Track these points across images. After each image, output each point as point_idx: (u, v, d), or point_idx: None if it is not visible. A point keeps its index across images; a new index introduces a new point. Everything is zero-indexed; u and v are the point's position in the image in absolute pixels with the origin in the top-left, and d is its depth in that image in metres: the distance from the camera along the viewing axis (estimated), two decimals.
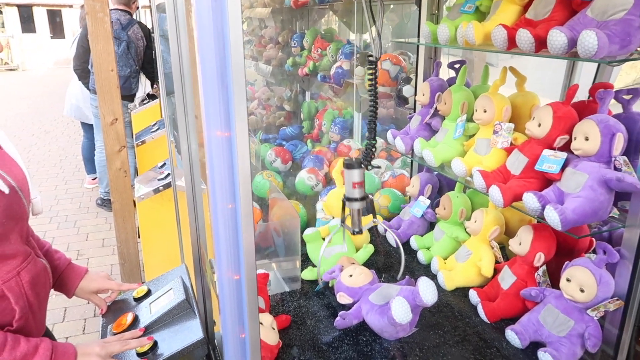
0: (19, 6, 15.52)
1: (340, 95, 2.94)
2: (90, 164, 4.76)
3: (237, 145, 0.67)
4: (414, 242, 1.66)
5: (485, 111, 1.36)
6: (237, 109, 0.65)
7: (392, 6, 2.66)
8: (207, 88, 0.66)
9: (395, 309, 1.08)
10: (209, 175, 0.71)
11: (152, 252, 2.10)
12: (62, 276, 1.18)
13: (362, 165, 1.34)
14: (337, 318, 1.21)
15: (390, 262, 1.62)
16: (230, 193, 0.70)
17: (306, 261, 1.60)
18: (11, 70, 15.15)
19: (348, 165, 1.33)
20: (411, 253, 1.65)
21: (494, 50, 1.29)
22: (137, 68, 3.97)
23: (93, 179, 4.93)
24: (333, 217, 1.65)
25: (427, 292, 1.07)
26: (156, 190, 1.96)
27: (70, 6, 16.73)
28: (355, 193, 1.36)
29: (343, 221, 1.42)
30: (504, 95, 1.40)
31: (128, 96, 3.99)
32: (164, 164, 2.22)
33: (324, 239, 1.61)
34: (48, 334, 1.25)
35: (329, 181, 2.35)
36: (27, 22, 16.17)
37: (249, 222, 0.71)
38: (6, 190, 0.93)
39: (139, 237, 2.37)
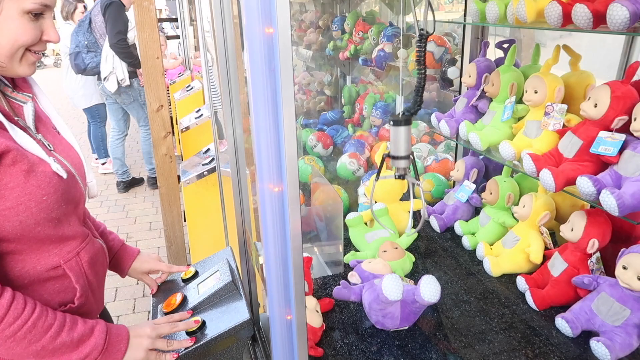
0: None
1: (382, 79, 2.90)
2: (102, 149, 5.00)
3: (284, 131, 0.67)
4: (459, 227, 1.63)
5: (536, 92, 1.31)
6: (284, 95, 0.65)
7: None
8: (255, 75, 0.66)
9: (385, 282, 1.06)
10: (257, 159, 0.71)
11: (197, 235, 2.15)
12: (116, 256, 1.23)
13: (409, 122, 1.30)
14: (338, 286, 1.21)
15: (433, 248, 1.60)
16: (277, 177, 0.71)
17: (348, 245, 1.60)
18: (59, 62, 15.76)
19: (395, 122, 1.31)
20: (456, 239, 1.62)
21: (547, 28, 1.24)
22: (86, 43, 4.09)
23: (102, 164, 5.13)
24: (376, 202, 1.64)
25: (427, 290, 1.05)
26: (201, 175, 2.00)
27: None
28: (400, 150, 1.34)
29: (378, 175, 1.43)
30: (557, 75, 1.34)
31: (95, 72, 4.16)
32: (208, 149, 2.26)
33: (366, 224, 1.60)
34: (105, 312, 1.31)
35: (370, 166, 2.34)
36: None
37: (296, 206, 0.71)
38: (64, 175, 0.96)
39: (184, 221, 2.43)
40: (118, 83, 4.03)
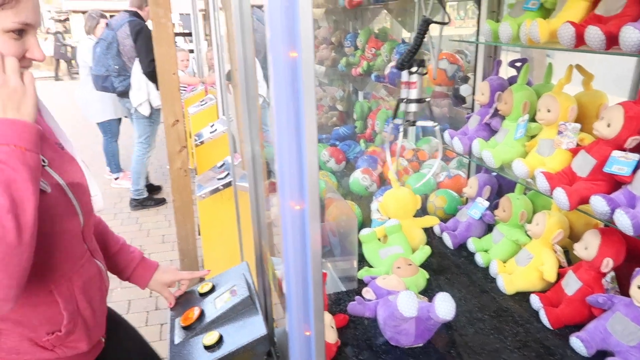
0: (83, 12, 16.39)
1: (394, 95, 2.93)
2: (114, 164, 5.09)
3: (306, 150, 0.69)
4: (472, 244, 1.63)
5: (549, 111, 1.33)
6: (307, 117, 0.67)
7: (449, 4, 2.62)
8: (278, 91, 0.69)
9: (400, 298, 1.07)
10: (279, 178, 0.73)
11: (211, 249, 2.18)
12: (137, 269, 1.25)
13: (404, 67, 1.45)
14: (353, 302, 1.22)
15: (446, 264, 1.60)
16: (299, 195, 0.73)
17: (361, 261, 1.61)
18: (75, 74, 16.04)
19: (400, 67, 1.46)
20: (469, 256, 1.63)
21: (559, 48, 1.26)
22: (117, 67, 4.21)
23: (116, 178, 5.19)
24: (389, 218, 1.65)
25: (442, 307, 1.06)
26: (216, 190, 2.03)
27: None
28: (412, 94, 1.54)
29: (394, 117, 1.52)
30: (569, 94, 1.35)
31: (123, 93, 4.29)
32: (223, 163, 2.30)
33: (379, 240, 1.62)
34: (122, 322, 1.32)
35: (383, 181, 2.35)
36: None
37: (316, 223, 0.73)
38: (48, 189, 0.96)
39: (198, 234, 2.46)
40: (151, 107, 4.16)
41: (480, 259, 1.55)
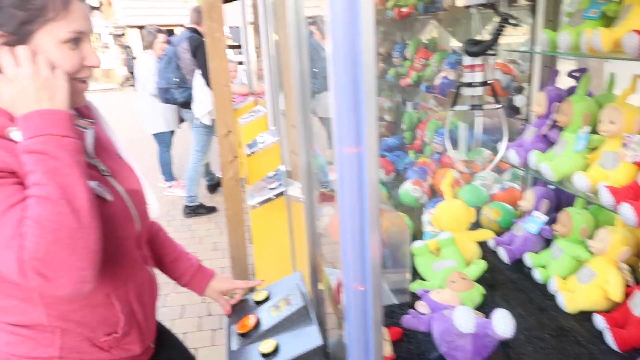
0: (140, 27, 17.15)
1: (445, 106, 2.90)
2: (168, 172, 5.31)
3: (367, 161, 0.70)
4: (529, 259, 1.58)
5: (612, 122, 1.28)
6: (368, 126, 0.68)
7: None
8: (339, 104, 0.70)
9: (457, 314, 1.05)
10: (339, 189, 0.74)
11: (263, 258, 2.22)
12: (195, 276, 1.30)
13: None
14: (407, 315, 1.19)
15: (502, 280, 1.56)
16: (358, 207, 0.74)
17: (414, 274, 1.59)
18: (132, 86, 16.79)
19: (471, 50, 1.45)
20: (525, 271, 1.58)
21: (624, 58, 1.21)
22: (177, 80, 4.47)
23: (169, 187, 5.38)
24: (442, 231, 1.63)
25: (501, 324, 1.03)
26: (268, 199, 2.07)
27: (182, 25, 18.17)
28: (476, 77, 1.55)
29: (453, 104, 1.52)
30: (634, 105, 1.30)
31: (184, 104, 4.56)
32: (275, 173, 2.34)
33: (432, 253, 1.60)
34: (168, 332, 1.36)
35: (434, 193, 2.33)
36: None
37: (376, 235, 0.73)
38: (109, 198, 1.00)
39: (249, 243, 2.51)
40: (213, 118, 4.37)
41: (538, 275, 1.50)
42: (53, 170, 0.83)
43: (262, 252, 2.20)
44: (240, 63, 6.29)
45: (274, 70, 2.84)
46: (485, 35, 1.65)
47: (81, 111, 1.09)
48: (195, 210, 4.70)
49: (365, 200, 0.72)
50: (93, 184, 0.95)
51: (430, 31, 3.52)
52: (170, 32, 5.42)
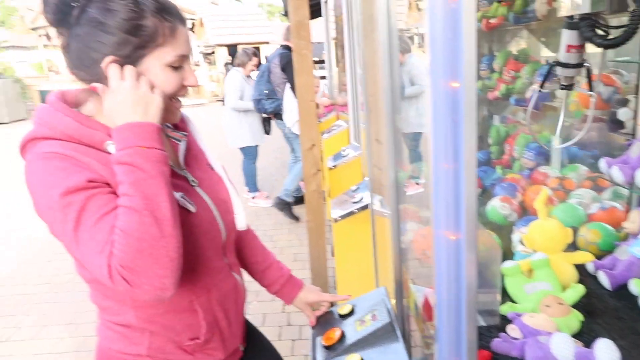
0: (227, 46, 18.06)
1: (537, 120, 2.76)
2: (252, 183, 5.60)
3: (465, 178, 0.68)
4: (635, 286, 1.45)
5: None
6: (466, 142, 0.67)
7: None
8: (436, 119, 0.69)
9: (555, 341, 0.99)
10: (433, 205, 0.73)
11: (345, 271, 2.23)
12: (285, 285, 1.34)
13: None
14: (498, 338, 1.13)
15: (602, 307, 1.44)
16: (454, 224, 0.72)
17: (503, 295, 1.52)
18: (219, 101, 17.67)
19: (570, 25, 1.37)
20: (630, 299, 1.45)
21: None
22: (266, 92, 4.96)
23: (253, 197, 5.60)
24: (535, 251, 1.54)
25: (605, 355, 0.94)
26: (351, 213, 2.08)
27: (267, 43, 18.89)
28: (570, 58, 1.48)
29: (542, 85, 1.44)
30: None
31: (277, 115, 5.05)
32: (357, 187, 2.35)
33: (524, 274, 1.52)
34: (259, 335, 1.40)
35: (524, 210, 2.21)
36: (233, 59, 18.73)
37: (473, 254, 0.71)
38: (192, 209, 1.03)
39: (332, 255, 2.54)
40: None
41: None
42: (138, 182, 0.88)
43: (344, 265, 2.21)
44: (323, 78, 6.42)
45: (357, 85, 2.87)
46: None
47: (176, 124, 1.16)
48: (284, 205, 4.93)
49: (462, 218, 0.70)
50: (178, 195, 1.00)
51: (521, 42, 3.39)
52: (256, 50, 5.75)
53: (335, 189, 2.87)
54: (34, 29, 20.94)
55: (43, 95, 16.77)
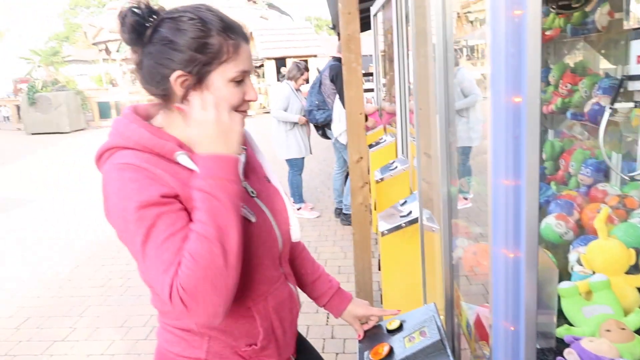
0: (276, 59, 18.41)
1: (595, 134, 2.64)
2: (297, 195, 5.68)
3: (526, 195, 0.66)
4: None
5: None
6: (528, 157, 0.65)
7: None
8: (497, 134, 0.68)
9: None
10: (492, 221, 0.72)
11: (391, 286, 2.20)
12: (334, 297, 1.34)
13: None
14: None
15: None
16: (513, 241, 0.70)
17: (559, 317, 1.45)
18: (266, 113, 18.00)
19: None
20: None
21: None
22: (317, 102, 5.08)
23: (298, 209, 5.65)
24: (594, 272, 1.47)
25: None
26: (399, 227, 2.06)
27: (315, 56, 19.12)
28: None
29: (613, 101, 1.35)
30: None
31: (322, 127, 5.18)
32: (405, 201, 2.33)
33: (582, 296, 1.45)
34: (309, 346, 1.40)
35: (580, 229, 2.12)
36: (281, 73, 19.09)
37: (533, 273, 0.69)
38: (252, 219, 1.07)
39: (378, 269, 2.51)
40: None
41: None
42: (214, 212, 0.92)
43: (391, 279, 2.18)
44: (370, 90, 6.43)
45: (406, 98, 2.85)
46: None
47: None
48: (345, 217, 5.06)
49: (522, 235, 0.68)
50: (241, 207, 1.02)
51: (577, 54, 3.27)
52: (305, 62, 5.89)
53: (382, 202, 2.85)
54: (95, 44, 22.09)
55: (101, 106, 17.68)
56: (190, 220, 0.95)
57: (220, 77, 1.00)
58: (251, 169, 1.19)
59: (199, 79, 0.99)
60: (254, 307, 1.11)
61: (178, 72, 0.98)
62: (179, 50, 0.97)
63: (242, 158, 1.16)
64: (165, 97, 1.03)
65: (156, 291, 0.95)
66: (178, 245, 0.91)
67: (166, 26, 0.98)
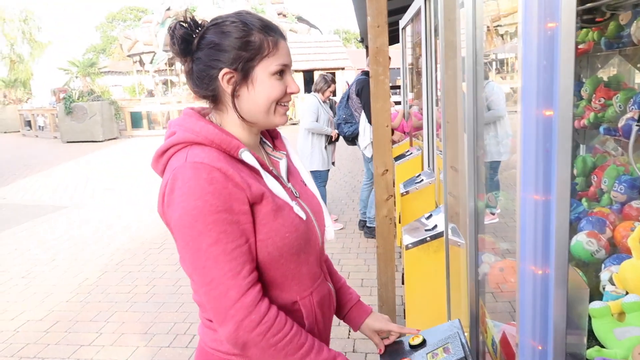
0: (303, 71, 18.58)
1: (627, 151, 2.57)
2: None
3: (556, 211, 0.65)
4: None
5: None
6: (559, 172, 0.64)
7: None
8: (527, 148, 0.67)
9: None
10: (520, 237, 0.70)
11: (415, 300, 2.17)
12: (352, 311, 1.33)
13: None
14: None
15: None
16: (541, 260, 0.68)
17: (589, 338, 1.40)
18: (294, 124, 18.11)
19: None
20: None
21: None
22: (344, 116, 5.16)
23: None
24: (627, 293, 1.42)
25: None
26: (423, 240, 2.03)
27: (342, 68, 19.21)
28: None
29: None
30: None
31: (352, 139, 5.23)
32: (430, 215, 2.30)
33: (613, 316, 1.40)
34: None
35: (613, 247, 2.05)
36: (308, 84, 19.24)
37: (562, 291, 0.67)
38: (304, 217, 1.12)
39: (402, 283, 2.48)
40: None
41: None
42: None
43: (415, 293, 2.15)
44: (397, 103, 6.42)
45: (433, 111, 2.83)
46: None
47: (277, 144, 1.27)
48: (373, 231, 5.00)
49: (552, 252, 0.66)
50: (293, 203, 1.11)
51: (611, 68, 3.19)
52: (332, 74, 6.00)
53: (407, 215, 2.82)
54: (129, 56, 22.73)
55: (134, 116, 18.12)
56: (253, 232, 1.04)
57: (263, 71, 1.07)
58: (291, 174, 1.25)
59: (244, 75, 1.06)
60: (300, 302, 1.15)
61: (225, 70, 1.05)
62: (224, 50, 1.05)
63: (284, 162, 1.23)
64: (215, 97, 1.10)
65: (212, 293, 0.99)
66: (245, 257, 1.00)
67: (211, 32, 1.07)
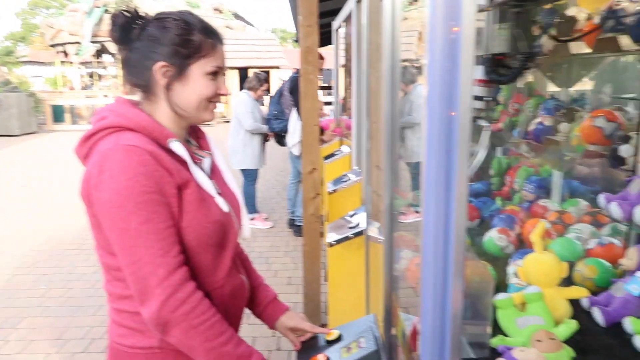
0: (239, 68, 18.30)
1: (539, 153, 2.76)
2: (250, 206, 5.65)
3: (456, 207, 0.68)
4: (630, 324, 1.42)
5: None
6: (458, 171, 0.67)
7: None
8: (431, 148, 0.69)
9: None
10: (424, 234, 0.73)
11: (337, 297, 2.20)
12: (268, 307, 1.34)
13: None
14: None
15: (596, 345, 1.41)
16: (442, 253, 0.71)
17: (494, 328, 1.49)
18: (226, 122, 17.84)
19: None
20: (623, 337, 1.42)
21: None
22: (275, 112, 5.17)
23: (251, 219, 5.62)
24: (529, 284, 1.52)
25: None
26: (346, 238, 2.06)
27: (278, 67, 19.14)
28: None
29: None
30: None
31: (280, 139, 5.22)
32: (354, 213, 2.34)
33: (516, 307, 1.49)
34: None
35: (521, 243, 2.19)
36: (244, 82, 18.94)
37: (459, 281, 0.70)
38: (226, 209, 1.17)
39: (324, 280, 2.51)
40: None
41: (639, 342, 1.34)
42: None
43: (337, 290, 2.18)
44: (329, 104, 6.50)
45: (362, 112, 2.88)
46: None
47: (202, 144, 1.30)
48: (297, 228, 5.06)
49: (451, 246, 0.69)
50: (217, 195, 1.17)
51: (526, 76, 3.41)
52: (266, 73, 5.99)
53: (334, 214, 2.85)
54: (52, 46, 21.26)
55: (55, 109, 16.99)
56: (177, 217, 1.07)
57: (198, 69, 1.13)
58: (214, 172, 1.29)
59: (180, 70, 1.12)
60: (212, 293, 1.16)
61: (162, 63, 1.10)
62: (163, 44, 1.10)
63: (207, 161, 1.26)
64: (147, 87, 1.14)
65: (140, 272, 0.99)
66: (173, 238, 1.04)
67: (153, 25, 1.12)
